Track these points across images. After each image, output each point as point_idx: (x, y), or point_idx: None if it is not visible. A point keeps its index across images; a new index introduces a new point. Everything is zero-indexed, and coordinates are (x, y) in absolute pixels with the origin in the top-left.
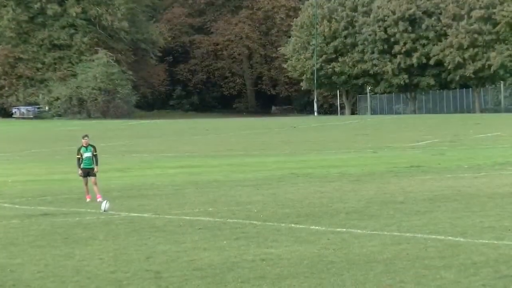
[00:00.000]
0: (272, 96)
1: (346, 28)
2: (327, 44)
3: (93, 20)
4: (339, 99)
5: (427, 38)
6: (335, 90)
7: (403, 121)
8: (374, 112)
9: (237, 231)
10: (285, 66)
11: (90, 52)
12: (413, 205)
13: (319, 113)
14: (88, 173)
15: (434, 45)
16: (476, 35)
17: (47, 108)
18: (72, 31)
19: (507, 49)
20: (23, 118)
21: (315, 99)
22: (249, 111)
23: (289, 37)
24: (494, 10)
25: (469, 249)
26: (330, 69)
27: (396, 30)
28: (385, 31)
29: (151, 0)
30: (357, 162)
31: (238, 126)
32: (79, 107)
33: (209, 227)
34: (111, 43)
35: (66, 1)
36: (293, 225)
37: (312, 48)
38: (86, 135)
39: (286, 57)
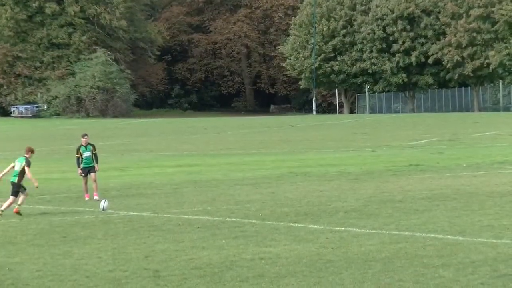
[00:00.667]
0: (271, 95)
1: (344, 27)
2: (326, 43)
3: (91, 19)
4: (338, 98)
5: (425, 36)
6: (333, 89)
7: (402, 120)
8: (372, 111)
9: (235, 230)
10: (283, 65)
11: (88, 51)
12: (411, 204)
13: (317, 112)
14: (88, 172)
15: (432, 43)
16: (474, 34)
17: (45, 107)
18: (71, 30)
19: (506, 47)
20: (22, 117)
21: (314, 98)
22: (247, 110)
23: (288, 36)
24: (493, 9)
25: (467, 247)
26: (329, 68)
27: (394, 29)
28: (384, 30)
29: None
30: (356, 161)
31: (237, 125)
32: (77, 106)
33: (207, 226)
34: (110, 42)
35: (64, 0)
36: (291, 224)
37: (310, 47)
38: (86, 134)
39: (284, 56)
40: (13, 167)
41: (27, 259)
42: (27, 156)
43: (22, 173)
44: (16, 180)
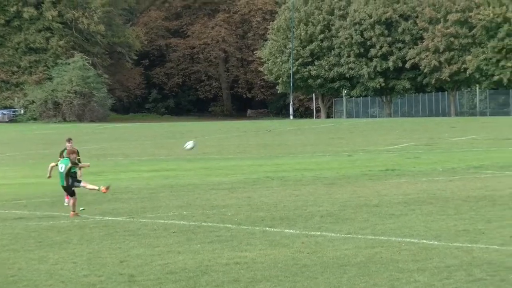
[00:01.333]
0: (248, 99)
1: (322, 31)
2: (304, 47)
3: (69, 23)
4: (315, 102)
5: (403, 41)
6: (311, 94)
7: (379, 125)
8: (349, 115)
9: (211, 234)
10: (261, 69)
11: (66, 56)
12: (387, 208)
13: (294, 116)
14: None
15: (410, 48)
16: (452, 39)
17: (22, 111)
18: (48, 34)
19: (483, 52)
20: None
21: (291, 103)
22: (224, 115)
23: (266, 40)
24: (471, 14)
25: (443, 252)
26: (306, 73)
27: (372, 34)
28: (362, 35)
29: (128, 3)
30: (332, 165)
31: (214, 130)
32: (54, 111)
33: (183, 230)
34: (87, 47)
35: (42, 5)
36: (267, 228)
37: (288, 51)
38: (71, 139)
39: (262, 60)
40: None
41: (1, 264)
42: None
43: (68, 174)
44: (64, 182)
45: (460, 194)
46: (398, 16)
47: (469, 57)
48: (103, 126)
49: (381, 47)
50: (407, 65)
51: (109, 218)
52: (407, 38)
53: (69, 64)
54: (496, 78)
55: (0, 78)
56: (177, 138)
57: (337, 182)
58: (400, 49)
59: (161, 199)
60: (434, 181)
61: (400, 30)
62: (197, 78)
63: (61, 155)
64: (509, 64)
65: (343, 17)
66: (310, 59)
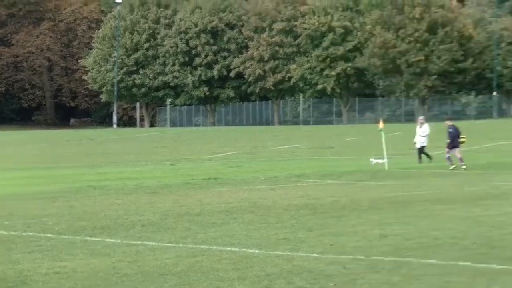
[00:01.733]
0: (72, 108)
1: (148, 40)
2: (129, 56)
3: None
4: (139, 111)
5: (228, 50)
6: (135, 102)
7: (202, 133)
8: (173, 124)
9: (31, 244)
10: (85, 78)
11: None
12: (209, 217)
13: (118, 125)
14: None
15: (235, 57)
16: (277, 48)
17: None
18: None
19: (307, 61)
20: None
21: (115, 111)
22: (48, 124)
23: (91, 49)
24: (296, 23)
25: (263, 260)
26: (131, 81)
27: (197, 43)
28: (187, 43)
29: None
30: (155, 174)
31: (36, 139)
32: None
33: (3, 240)
34: None
35: None
36: (88, 238)
37: (113, 60)
38: None
39: (86, 69)
40: None
41: None
42: None
43: None
44: None
45: (281, 203)
46: (224, 25)
47: (293, 66)
48: None
49: (206, 56)
50: (232, 74)
51: None
52: (233, 47)
53: None
54: (320, 87)
55: None
56: None
57: (159, 191)
58: (225, 58)
59: None
60: (256, 190)
61: (225, 39)
62: (20, 86)
63: None
64: (333, 73)
65: (169, 26)
66: (135, 68)
